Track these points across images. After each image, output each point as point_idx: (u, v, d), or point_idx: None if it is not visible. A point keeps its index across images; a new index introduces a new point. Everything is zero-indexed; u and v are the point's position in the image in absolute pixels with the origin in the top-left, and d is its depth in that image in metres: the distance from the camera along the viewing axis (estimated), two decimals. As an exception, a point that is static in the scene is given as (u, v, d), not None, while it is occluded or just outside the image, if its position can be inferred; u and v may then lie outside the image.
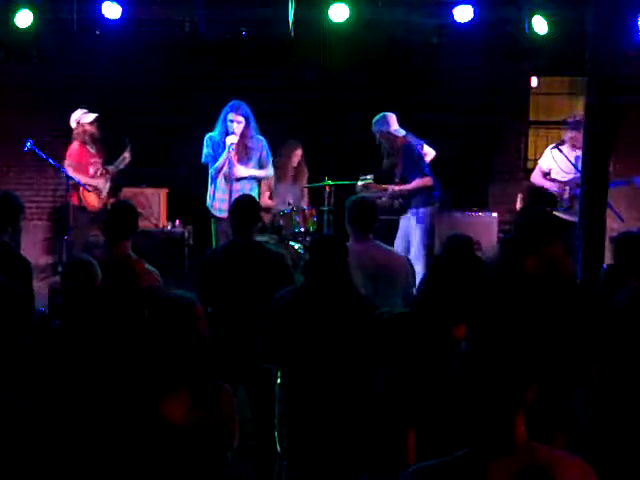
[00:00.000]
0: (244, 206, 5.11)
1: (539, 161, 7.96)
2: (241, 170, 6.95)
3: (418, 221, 7.29)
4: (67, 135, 8.07)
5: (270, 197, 8.24)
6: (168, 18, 8.24)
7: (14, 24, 7.74)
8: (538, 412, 2.32)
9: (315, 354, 3.79)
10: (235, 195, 6.51)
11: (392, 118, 7.40)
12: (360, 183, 7.72)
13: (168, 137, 9.33)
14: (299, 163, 8.38)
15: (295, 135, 8.57)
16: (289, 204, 8.02)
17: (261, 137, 7.06)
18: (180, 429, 2.38)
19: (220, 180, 6.97)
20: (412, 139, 7.48)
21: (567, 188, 7.53)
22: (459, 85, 9.02)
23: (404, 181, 7.45)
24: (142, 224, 8.11)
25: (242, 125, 6.86)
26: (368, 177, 7.74)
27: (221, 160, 6.87)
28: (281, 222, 7.82)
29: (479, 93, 9.17)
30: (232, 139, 6.81)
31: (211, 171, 7.00)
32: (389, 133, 7.39)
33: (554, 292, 3.58)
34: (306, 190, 8.50)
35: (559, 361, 3.23)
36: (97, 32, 8.31)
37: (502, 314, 3.01)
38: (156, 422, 2.20)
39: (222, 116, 6.90)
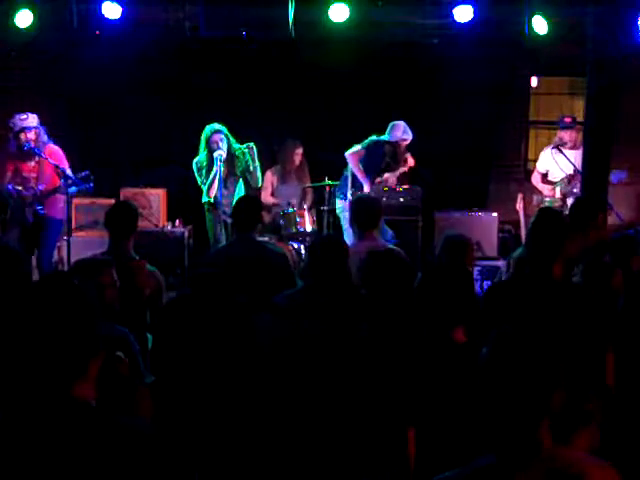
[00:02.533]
0: (246, 207, 5.11)
1: (536, 164, 8.01)
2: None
3: None
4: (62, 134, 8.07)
5: (272, 194, 8.25)
6: (168, 18, 8.23)
7: (14, 24, 7.74)
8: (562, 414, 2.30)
9: (314, 353, 3.78)
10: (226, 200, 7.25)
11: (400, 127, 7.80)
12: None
13: (168, 137, 9.33)
14: (300, 162, 8.38)
15: (295, 135, 8.57)
16: (289, 204, 8.03)
17: (241, 146, 7.57)
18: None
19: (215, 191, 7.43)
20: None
21: (557, 188, 7.62)
22: (459, 85, 9.01)
23: None
24: (142, 224, 8.14)
25: (225, 142, 7.42)
26: None
27: (212, 175, 7.39)
28: (281, 222, 7.82)
29: (479, 93, 9.17)
30: (220, 152, 7.35)
31: (205, 192, 7.52)
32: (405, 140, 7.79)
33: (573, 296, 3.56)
34: (309, 190, 8.50)
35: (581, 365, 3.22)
36: (97, 32, 8.30)
37: (525, 318, 3.01)
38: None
39: (204, 141, 7.49)
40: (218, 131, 7.47)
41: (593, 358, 3.30)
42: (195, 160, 7.58)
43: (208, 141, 7.46)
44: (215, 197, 7.38)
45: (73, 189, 7.03)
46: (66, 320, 1.89)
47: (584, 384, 3.16)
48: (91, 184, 7.06)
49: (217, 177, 7.32)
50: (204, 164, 7.49)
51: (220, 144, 7.40)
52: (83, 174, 7.02)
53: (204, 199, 7.61)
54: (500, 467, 1.98)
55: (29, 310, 1.91)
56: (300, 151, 8.37)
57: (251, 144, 7.56)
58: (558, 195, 7.61)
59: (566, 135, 7.68)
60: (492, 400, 2.01)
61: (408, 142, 8.02)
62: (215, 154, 7.33)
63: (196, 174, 7.59)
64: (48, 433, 1.83)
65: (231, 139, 7.53)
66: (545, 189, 7.77)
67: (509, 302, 3.39)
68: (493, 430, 2.01)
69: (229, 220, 7.06)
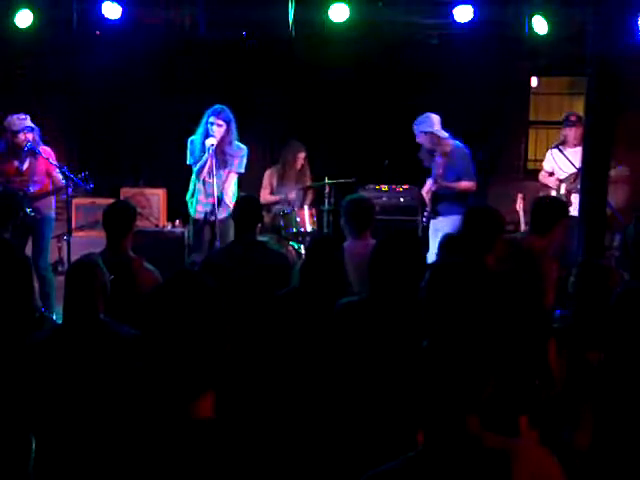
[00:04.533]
0: (246, 206, 5.11)
1: (543, 163, 8.00)
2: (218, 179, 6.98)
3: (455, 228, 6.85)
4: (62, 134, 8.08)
5: (271, 192, 8.25)
6: (168, 18, 8.24)
7: (14, 24, 7.75)
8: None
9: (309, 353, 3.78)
10: (211, 199, 6.80)
11: (436, 119, 7.30)
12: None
13: (168, 137, 9.33)
14: (302, 166, 8.36)
15: (295, 135, 8.57)
16: (289, 204, 8.03)
17: (242, 145, 7.09)
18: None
19: (200, 182, 7.04)
20: (461, 142, 7.40)
21: (562, 185, 7.61)
22: (459, 85, 9.01)
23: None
24: (142, 224, 8.19)
25: (222, 129, 6.91)
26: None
27: (201, 162, 6.94)
28: (281, 222, 7.82)
29: (479, 93, 9.17)
30: (211, 141, 6.84)
31: (195, 172, 7.05)
32: (432, 134, 7.28)
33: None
34: (310, 190, 8.50)
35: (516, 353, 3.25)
36: (97, 32, 8.32)
37: (464, 311, 3.03)
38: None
39: (204, 119, 6.97)
40: (219, 113, 6.93)
41: (532, 347, 3.34)
42: (190, 138, 7.10)
43: (206, 120, 6.95)
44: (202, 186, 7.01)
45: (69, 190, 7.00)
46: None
47: (520, 373, 3.20)
48: (92, 184, 7.05)
49: (206, 166, 6.86)
50: (197, 144, 7.01)
51: (216, 129, 6.89)
52: (82, 175, 7.00)
53: (191, 211, 7.17)
54: (427, 456, 2.11)
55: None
56: (303, 155, 8.30)
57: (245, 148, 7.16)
58: (563, 191, 7.60)
59: (571, 132, 7.67)
60: (425, 388, 2.15)
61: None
62: (207, 143, 6.84)
63: (188, 153, 7.09)
64: None
65: (233, 129, 6.99)
66: (551, 182, 7.75)
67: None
68: (425, 417, 2.15)
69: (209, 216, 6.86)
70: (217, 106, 6.98)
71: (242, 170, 7.10)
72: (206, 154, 6.85)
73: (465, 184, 7.29)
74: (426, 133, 7.30)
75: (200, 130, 7.00)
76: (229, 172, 7.05)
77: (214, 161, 6.82)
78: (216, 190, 6.82)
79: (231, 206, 6.77)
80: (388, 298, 3.52)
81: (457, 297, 3.08)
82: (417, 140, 7.37)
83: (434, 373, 2.13)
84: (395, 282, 3.52)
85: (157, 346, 2.00)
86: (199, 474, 1.96)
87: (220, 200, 6.90)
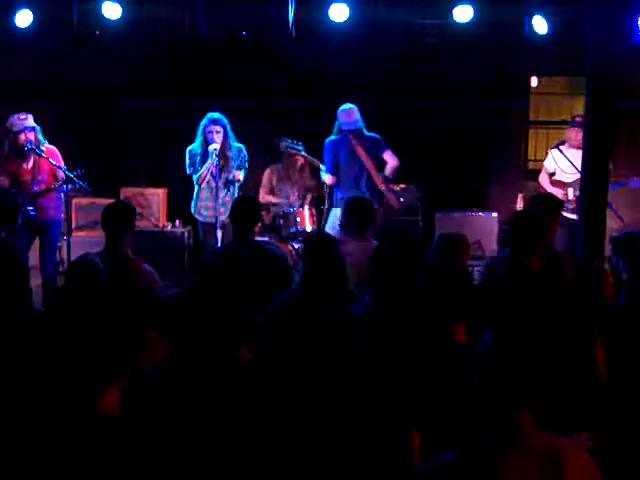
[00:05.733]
0: (244, 207, 5.11)
1: (544, 162, 7.98)
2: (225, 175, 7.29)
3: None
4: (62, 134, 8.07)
5: (270, 192, 8.25)
6: (168, 18, 8.24)
7: (14, 24, 7.75)
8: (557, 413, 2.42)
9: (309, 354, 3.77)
10: (219, 201, 7.05)
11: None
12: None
13: (168, 137, 9.33)
14: (302, 164, 8.36)
15: (295, 135, 8.57)
16: (289, 204, 8.03)
17: (240, 144, 7.38)
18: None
19: (204, 187, 7.34)
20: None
21: (570, 190, 7.54)
22: (459, 85, 9.01)
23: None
24: (142, 224, 8.18)
25: (221, 135, 7.20)
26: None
27: (205, 168, 7.20)
28: (281, 222, 7.81)
29: (479, 93, 9.16)
30: (215, 146, 7.12)
31: (195, 180, 7.34)
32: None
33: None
34: (309, 190, 8.49)
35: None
36: (97, 32, 8.31)
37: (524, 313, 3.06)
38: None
39: (201, 129, 7.26)
40: (216, 121, 7.23)
41: (580, 349, 3.36)
42: (189, 148, 7.36)
43: (204, 130, 7.23)
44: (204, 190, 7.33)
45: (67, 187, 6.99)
46: None
47: (570, 374, 3.21)
48: (86, 182, 7.02)
49: (209, 171, 7.18)
50: (198, 153, 7.28)
51: (216, 136, 7.18)
52: (77, 172, 6.98)
53: (192, 210, 7.52)
54: (486, 449, 2.17)
55: None
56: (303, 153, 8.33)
57: (242, 146, 7.44)
58: (571, 197, 7.52)
59: (576, 133, 7.63)
60: (483, 387, 2.22)
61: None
62: (210, 148, 7.14)
63: (187, 161, 7.35)
64: None
65: (229, 133, 7.31)
66: (555, 192, 7.65)
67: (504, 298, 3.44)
68: (484, 414, 2.21)
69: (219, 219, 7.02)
70: (211, 115, 7.26)
71: (247, 165, 7.43)
72: (209, 159, 7.11)
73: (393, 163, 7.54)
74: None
75: (199, 140, 7.27)
76: (238, 170, 7.35)
77: (216, 166, 7.10)
78: (222, 193, 7.13)
79: None
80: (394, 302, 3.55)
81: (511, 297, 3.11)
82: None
83: (492, 368, 2.20)
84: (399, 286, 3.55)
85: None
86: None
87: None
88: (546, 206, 5.55)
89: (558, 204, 6.07)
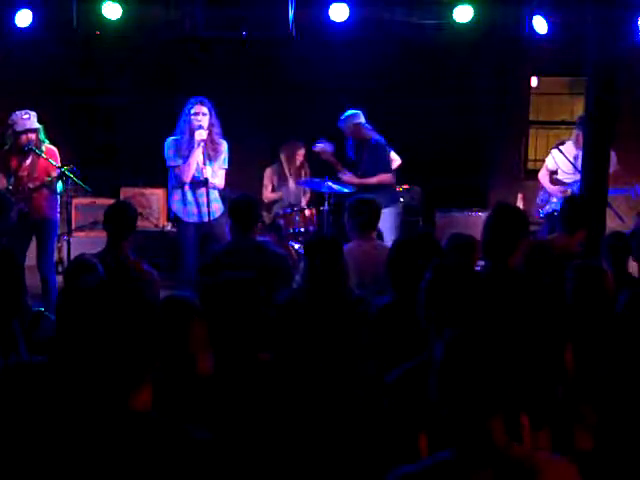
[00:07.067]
0: (244, 206, 5.09)
1: (546, 160, 7.97)
2: (209, 172, 6.56)
3: (384, 221, 6.55)
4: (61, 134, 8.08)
5: (273, 190, 8.25)
6: (168, 18, 8.24)
7: (14, 24, 7.76)
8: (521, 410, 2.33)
9: (309, 354, 3.77)
10: (203, 199, 6.46)
11: (361, 114, 7.55)
12: (320, 146, 7.74)
13: (168, 137, 9.32)
14: (301, 163, 8.39)
15: (295, 135, 8.57)
16: (289, 204, 8.04)
17: (223, 140, 6.72)
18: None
19: (187, 185, 6.63)
20: (380, 137, 7.57)
21: (569, 190, 7.54)
22: (459, 85, 9.02)
23: (365, 176, 7.47)
24: (142, 224, 8.18)
25: (207, 117, 6.52)
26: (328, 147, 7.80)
27: (191, 159, 6.49)
28: (281, 222, 7.82)
29: (479, 93, 9.17)
30: (202, 134, 6.43)
31: (177, 174, 6.63)
32: (359, 125, 7.48)
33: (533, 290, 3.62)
34: (309, 189, 8.50)
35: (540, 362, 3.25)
36: (97, 32, 8.31)
37: (482, 316, 3.01)
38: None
39: (184, 113, 6.57)
40: (201, 101, 6.52)
41: (551, 351, 3.34)
42: (171, 138, 6.63)
43: (188, 111, 6.50)
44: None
45: (60, 186, 6.97)
46: None
47: (541, 382, 3.20)
48: (79, 173, 6.89)
49: (195, 162, 6.45)
50: (182, 145, 6.52)
51: (202, 117, 6.46)
52: (71, 169, 6.94)
53: (175, 208, 6.70)
54: (456, 462, 2.03)
55: None
56: (302, 152, 8.36)
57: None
58: None
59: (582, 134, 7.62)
60: (447, 398, 2.06)
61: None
62: (197, 136, 6.41)
63: (166, 153, 6.61)
64: None
65: (216, 121, 6.57)
66: (555, 190, 7.68)
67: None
68: (449, 427, 2.06)
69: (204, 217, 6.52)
70: (195, 97, 6.62)
71: (227, 166, 6.74)
72: (195, 150, 6.44)
73: (380, 177, 7.43)
74: (354, 125, 7.52)
75: (181, 127, 6.60)
76: (219, 168, 6.69)
77: (204, 154, 6.46)
78: (211, 181, 6.51)
79: (220, 204, 6.73)
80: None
81: (473, 298, 3.06)
82: (346, 132, 7.61)
83: (458, 375, 2.06)
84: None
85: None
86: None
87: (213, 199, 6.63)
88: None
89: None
